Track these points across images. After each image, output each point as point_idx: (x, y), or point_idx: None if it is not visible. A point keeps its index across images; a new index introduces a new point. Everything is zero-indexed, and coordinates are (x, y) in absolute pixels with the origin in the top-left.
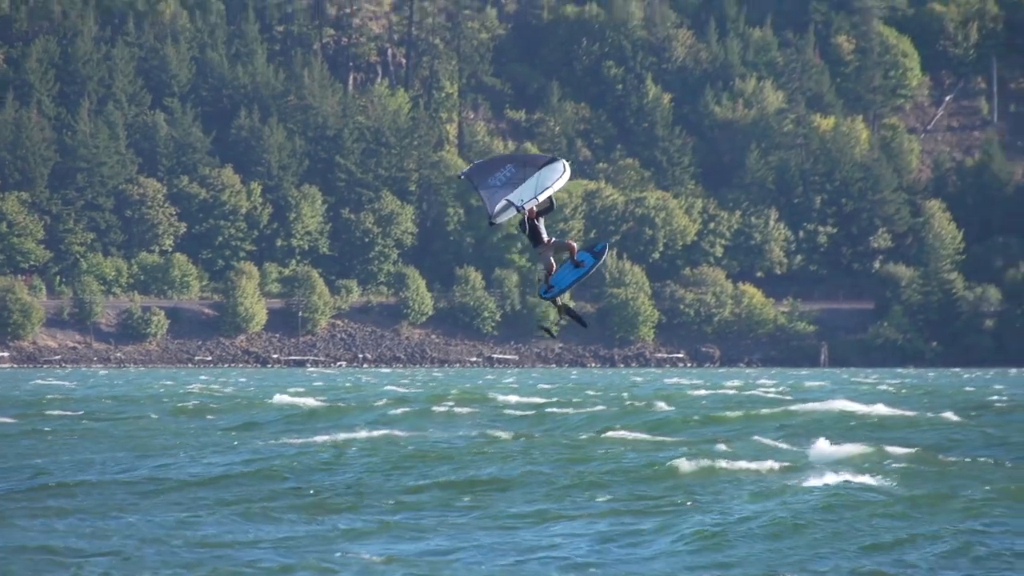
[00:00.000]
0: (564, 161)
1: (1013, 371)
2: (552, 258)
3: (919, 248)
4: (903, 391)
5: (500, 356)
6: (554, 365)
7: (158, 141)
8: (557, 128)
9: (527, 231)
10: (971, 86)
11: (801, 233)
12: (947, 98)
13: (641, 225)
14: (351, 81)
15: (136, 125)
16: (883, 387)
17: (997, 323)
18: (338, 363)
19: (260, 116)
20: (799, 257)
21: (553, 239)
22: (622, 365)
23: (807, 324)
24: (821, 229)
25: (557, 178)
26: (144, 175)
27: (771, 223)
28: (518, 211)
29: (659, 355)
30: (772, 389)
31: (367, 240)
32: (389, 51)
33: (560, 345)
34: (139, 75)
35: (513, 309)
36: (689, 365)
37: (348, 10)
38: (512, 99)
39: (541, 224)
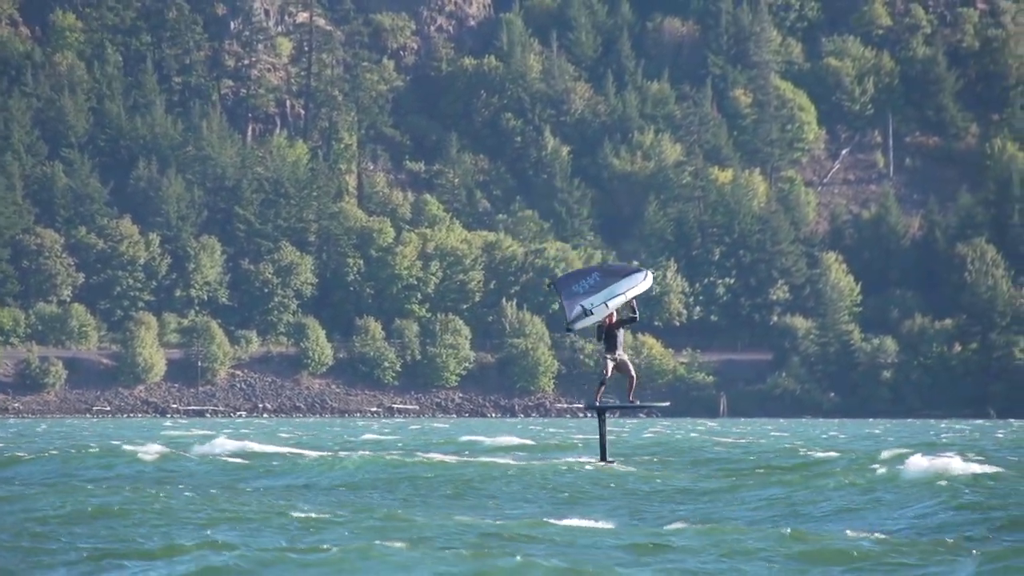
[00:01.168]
0: (648, 272)
1: (918, 422)
2: (611, 373)
3: (816, 300)
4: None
5: (400, 406)
6: (454, 415)
7: (56, 191)
8: (456, 179)
9: (602, 337)
10: (867, 140)
11: (699, 285)
12: (843, 152)
13: (541, 276)
14: (250, 132)
15: (33, 176)
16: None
17: (894, 374)
18: (238, 413)
19: (158, 167)
20: (698, 308)
21: (624, 358)
22: (522, 415)
23: (706, 375)
24: (719, 281)
25: (633, 287)
26: (41, 225)
27: (670, 275)
28: (585, 313)
29: (559, 405)
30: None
31: (266, 290)
32: (288, 102)
33: (460, 395)
34: (36, 126)
35: (413, 359)
36: (589, 415)
37: (246, 61)
38: (411, 150)
39: (620, 335)
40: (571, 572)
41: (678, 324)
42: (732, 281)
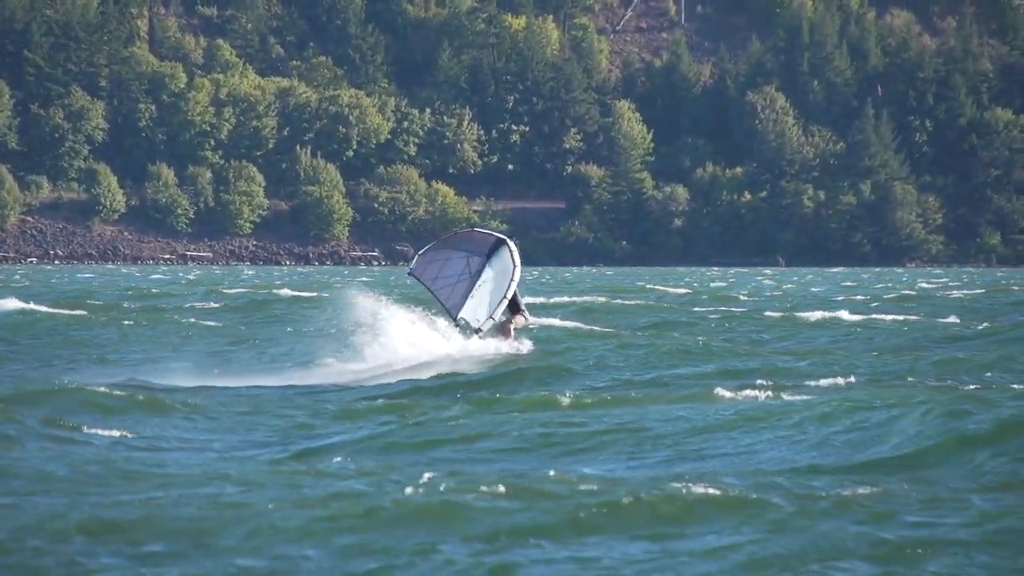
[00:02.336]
0: (509, 242)
1: (716, 270)
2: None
3: (609, 148)
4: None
5: (194, 253)
6: (248, 263)
7: None
8: (249, 25)
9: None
10: None
11: (494, 132)
12: None
13: (335, 123)
14: None
15: None
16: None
17: (685, 222)
18: (29, 259)
19: None
20: (492, 156)
21: (525, 320)
22: (316, 263)
23: (500, 222)
24: (514, 128)
25: (510, 280)
26: None
27: (464, 122)
28: (476, 332)
29: (354, 253)
30: None
31: (57, 135)
32: None
33: (255, 243)
34: None
35: (207, 206)
36: (384, 263)
37: None
38: None
39: (519, 298)
40: None
41: (472, 172)
42: (526, 129)
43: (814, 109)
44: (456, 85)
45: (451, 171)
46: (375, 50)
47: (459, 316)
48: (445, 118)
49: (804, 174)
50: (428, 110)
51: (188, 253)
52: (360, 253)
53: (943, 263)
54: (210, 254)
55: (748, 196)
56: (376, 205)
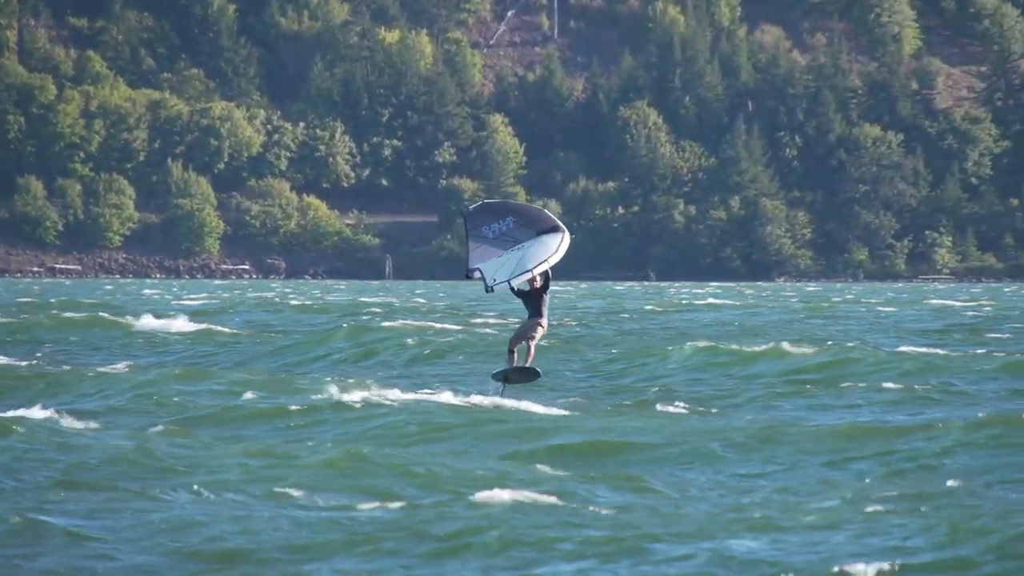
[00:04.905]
0: (565, 233)
1: (584, 285)
2: (519, 344)
3: (482, 162)
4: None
5: (63, 266)
6: (118, 276)
7: None
8: (120, 36)
9: (526, 300)
10: (532, 2)
11: (367, 146)
12: (509, 13)
13: (206, 136)
14: None
15: None
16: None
17: None
18: None
19: None
20: (365, 170)
21: (541, 327)
22: (187, 276)
23: (372, 237)
24: (387, 142)
25: (544, 259)
26: None
27: (337, 135)
28: (487, 289)
29: (224, 266)
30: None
31: None
32: None
33: (124, 255)
34: None
35: (76, 219)
36: (255, 276)
37: None
38: (73, 5)
39: (546, 300)
40: None
41: (345, 185)
42: (399, 143)
43: (685, 124)
44: (329, 98)
45: (324, 185)
46: (247, 63)
47: (474, 267)
48: (318, 131)
49: (675, 189)
50: (301, 123)
51: (57, 266)
52: (231, 266)
53: (811, 278)
54: (79, 267)
55: (620, 210)
56: (247, 218)
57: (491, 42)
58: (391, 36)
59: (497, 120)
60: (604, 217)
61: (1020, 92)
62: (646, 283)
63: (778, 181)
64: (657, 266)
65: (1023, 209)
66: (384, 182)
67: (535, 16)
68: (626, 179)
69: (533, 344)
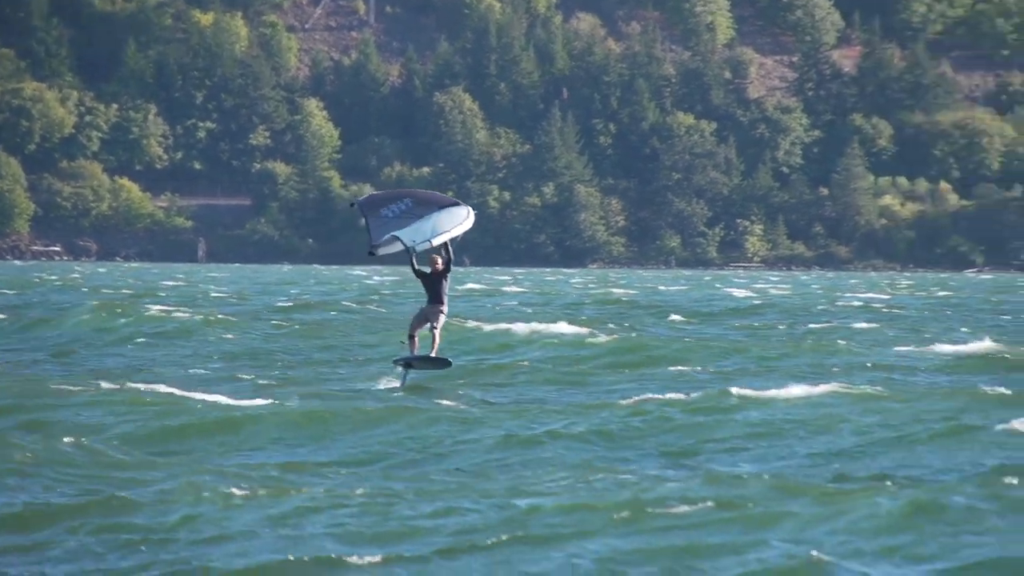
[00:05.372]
0: (468, 208)
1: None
2: (420, 329)
3: (297, 146)
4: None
5: None
6: None
7: None
8: None
9: (427, 284)
10: None
11: (180, 129)
12: None
13: (17, 117)
14: None
15: None
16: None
17: None
18: None
19: None
20: (179, 152)
21: (442, 313)
22: None
23: (185, 219)
24: (200, 125)
25: (458, 224)
26: None
27: (150, 117)
28: (407, 250)
29: (35, 248)
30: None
31: None
32: None
33: None
34: None
35: None
36: (66, 258)
37: None
38: None
39: (446, 284)
40: None
41: (158, 168)
42: (213, 126)
43: (501, 111)
44: (142, 80)
45: (136, 167)
46: (59, 44)
47: (380, 240)
48: (131, 113)
49: (490, 175)
50: (114, 105)
51: None
52: (42, 248)
53: (624, 265)
54: None
55: None
56: (59, 200)
57: (307, 26)
58: (206, 18)
59: (312, 104)
60: None
61: (831, 82)
62: (462, 269)
63: (592, 168)
64: (472, 252)
65: (832, 198)
66: (198, 165)
67: (351, 1)
68: (441, 165)
69: (438, 331)
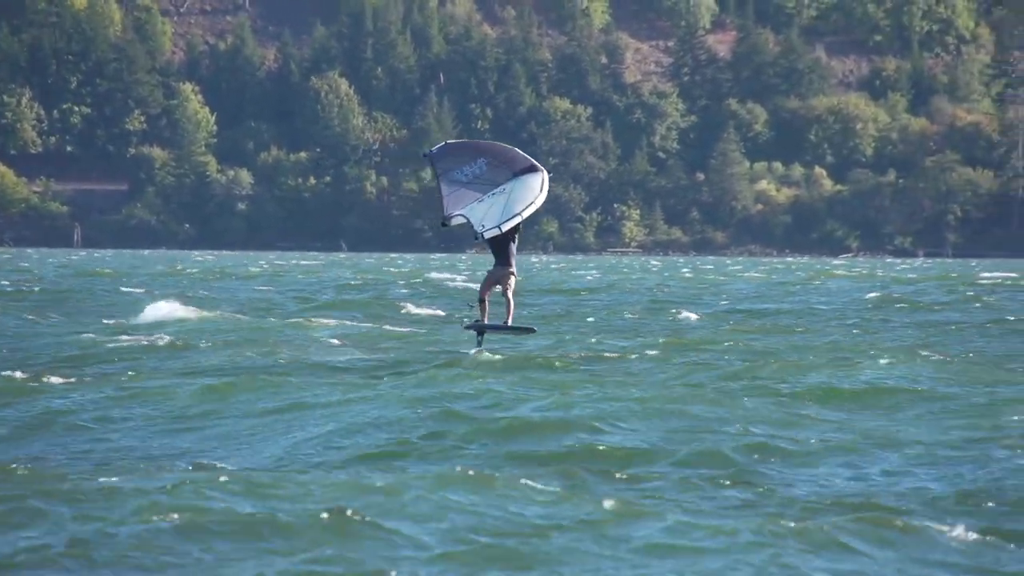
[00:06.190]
0: (544, 172)
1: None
2: (488, 293)
3: (173, 131)
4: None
5: None
6: None
7: None
8: None
9: (494, 245)
10: None
11: (55, 113)
12: None
13: None
14: None
15: None
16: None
17: (249, 206)
18: None
19: None
20: (53, 137)
21: (513, 274)
22: None
23: (60, 204)
24: (75, 109)
25: (531, 202)
26: None
27: (23, 101)
28: (476, 236)
29: None
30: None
31: None
32: None
33: None
34: None
35: None
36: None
37: None
38: None
39: (514, 246)
40: None
41: (33, 152)
42: (88, 110)
43: (378, 95)
44: (15, 64)
45: (11, 151)
46: None
47: (454, 212)
48: (4, 97)
49: (367, 160)
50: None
51: None
52: None
53: None
54: None
55: (312, 181)
56: None
57: (182, 10)
58: (80, 2)
59: (188, 88)
60: (296, 187)
61: (706, 67)
62: (341, 255)
63: None
64: (350, 237)
65: (709, 184)
66: (72, 149)
67: None
68: (318, 149)
69: (511, 294)
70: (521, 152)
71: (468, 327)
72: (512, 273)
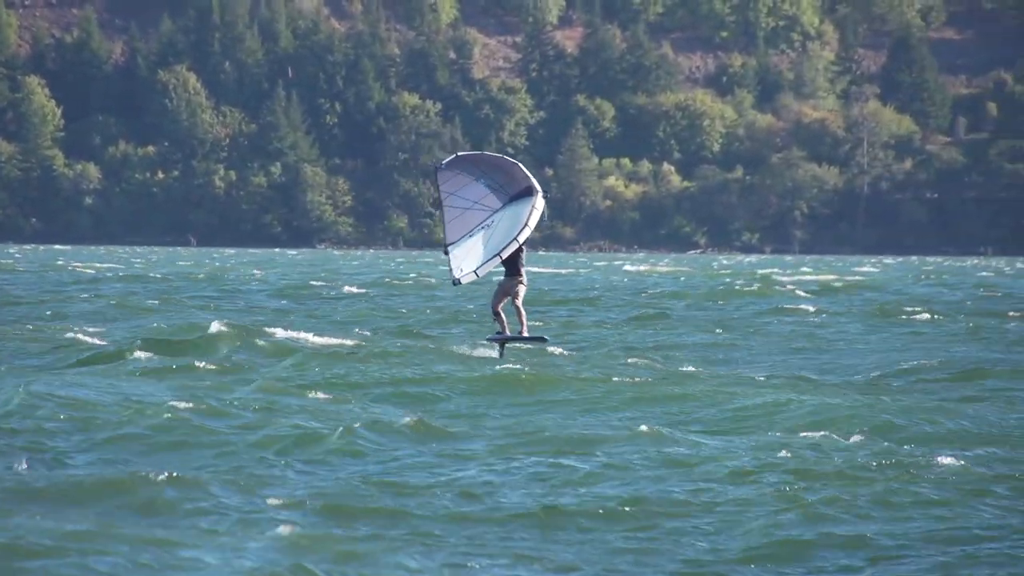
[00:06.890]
0: (538, 196)
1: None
2: (502, 305)
3: (19, 124)
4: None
5: None
6: None
7: None
8: None
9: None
10: None
11: None
12: None
13: None
14: None
15: None
16: None
17: (96, 200)
18: None
19: None
20: None
21: (522, 284)
22: None
23: None
24: None
25: (515, 236)
26: None
27: None
28: (453, 282)
29: None
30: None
31: None
32: None
33: None
34: None
35: None
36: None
37: None
38: None
39: (523, 256)
40: None
41: None
42: None
43: (226, 89)
44: None
45: None
46: None
47: (450, 246)
48: None
49: (215, 154)
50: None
51: None
52: None
53: (352, 245)
54: None
55: (160, 175)
56: None
57: (27, 2)
58: None
59: (33, 82)
60: (144, 182)
61: (554, 63)
62: (190, 248)
63: (319, 148)
64: (199, 232)
65: (558, 179)
66: None
67: None
68: (166, 143)
69: (520, 304)
70: (522, 169)
71: (490, 339)
72: (522, 283)
